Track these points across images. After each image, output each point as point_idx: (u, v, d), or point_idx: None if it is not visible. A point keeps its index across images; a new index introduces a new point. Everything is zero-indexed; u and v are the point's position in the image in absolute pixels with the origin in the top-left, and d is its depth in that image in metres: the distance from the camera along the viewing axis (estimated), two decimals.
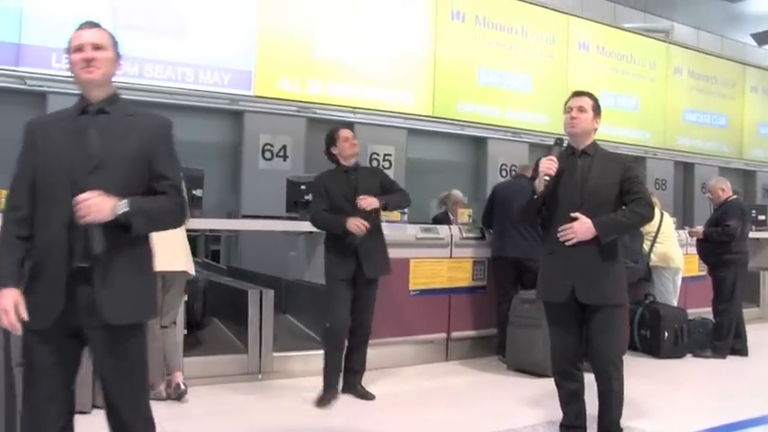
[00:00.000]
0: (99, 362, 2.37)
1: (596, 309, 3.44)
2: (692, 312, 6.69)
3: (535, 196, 3.52)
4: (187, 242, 4.61)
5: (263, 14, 7.87)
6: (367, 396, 4.59)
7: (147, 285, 2.40)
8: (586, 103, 3.56)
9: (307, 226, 5.51)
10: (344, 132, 4.60)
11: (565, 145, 3.64)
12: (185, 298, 4.79)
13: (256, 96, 7.84)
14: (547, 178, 3.44)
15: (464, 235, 6.05)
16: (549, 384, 3.81)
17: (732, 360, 6.20)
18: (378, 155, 8.61)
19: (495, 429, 4.02)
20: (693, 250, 6.93)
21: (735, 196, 6.49)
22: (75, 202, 2.12)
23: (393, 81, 8.78)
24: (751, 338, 6.44)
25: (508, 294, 5.71)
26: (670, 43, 12.06)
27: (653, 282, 6.65)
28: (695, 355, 6.25)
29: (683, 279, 6.89)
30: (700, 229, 6.52)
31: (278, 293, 5.37)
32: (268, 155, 7.96)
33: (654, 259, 6.54)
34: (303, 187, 5.71)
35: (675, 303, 6.66)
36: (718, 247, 6.26)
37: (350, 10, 8.47)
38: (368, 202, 4.36)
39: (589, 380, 3.56)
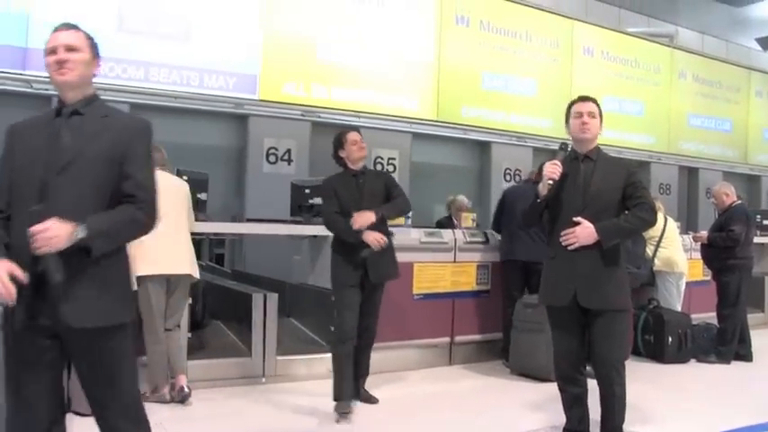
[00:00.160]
0: (76, 364, 2.36)
1: (598, 313, 3.44)
2: (697, 317, 6.68)
3: (538, 200, 3.53)
4: (192, 245, 4.63)
5: (269, 19, 7.91)
6: (371, 400, 4.59)
7: (116, 287, 2.34)
8: (595, 108, 3.58)
9: (311, 230, 5.54)
10: (353, 136, 4.50)
11: (569, 149, 3.65)
12: (189, 301, 4.80)
13: (261, 100, 7.88)
14: (551, 182, 3.44)
15: (468, 239, 6.05)
16: (552, 389, 3.81)
17: (736, 365, 6.18)
18: (382, 159, 8.64)
19: None
20: (697, 255, 6.91)
21: (739, 201, 6.48)
22: (31, 233, 2.08)
23: (397, 85, 8.81)
24: (755, 344, 6.41)
25: (514, 299, 5.70)
26: (674, 48, 12.06)
27: (656, 286, 6.64)
28: (699, 361, 6.24)
29: (688, 284, 6.87)
30: (704, 234, 6.51)
31: (282, 297, 5.37)
32: (272, 158, 7.99)
33: (658, 264, 6.53)
34: (307, 191, 5.71)
35: (679, 308, 6.65)
36: (722, 252, 6.24)
37: (354, 15, 8.51)
38: (363, 219, 4.21)
39: (592, 384, 3.56)
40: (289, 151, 8.05)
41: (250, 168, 7.92)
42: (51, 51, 2.32)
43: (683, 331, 6.24)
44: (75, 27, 2.39)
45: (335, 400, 4.25)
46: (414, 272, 5.66)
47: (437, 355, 5.86)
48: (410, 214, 5.81)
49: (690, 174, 12.26)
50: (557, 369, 3.67)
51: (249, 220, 6.81)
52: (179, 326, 4.59)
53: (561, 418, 3.70)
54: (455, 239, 5.97)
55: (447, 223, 7.25)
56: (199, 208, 5.11)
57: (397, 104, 8.81)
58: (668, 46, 11.98)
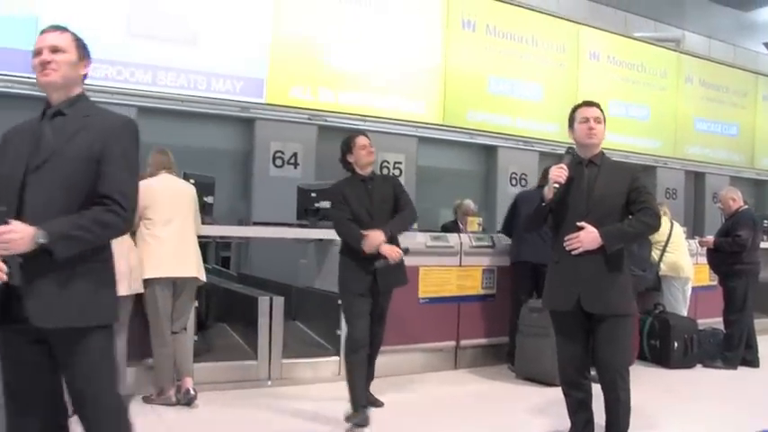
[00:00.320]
0: (59, 365, 2.32)
1: (602, 318, 3.44)
2: (703, 323, 6.66)
3: (543, 204, 3.53)
4: (198, 249, 4.65)
5: (276, 23, 7.93)
6: (376, 403, 4.57)
7: (90, 289, 2.28)
8: (600, 113, 3.59)
9: (317, 233, 5.55)
10: (362, 140, 4.39)
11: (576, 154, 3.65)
12: (196, 304, 4.82)
13: (268, 104, 7.90)
14: (556, 186, 3.44)
15: (474, 243, 6.05)
16: (557, 394, 3.81)
17: (743, 371, 6.16)
18: (388, 163, 8.65)
19: None
20: (704, 260, 6.89)
21: (746, 206, 6.47)
22: None
23: (404, 89, 8.82)
24: (762, 349, 6.38)
25: (521, 303, 5.68)
26: (681, 52, 12.03)
27: (662, 291, 6.63)
28: (705, 366, 6.22)
29: (694, 289, 6.85)
30: (710, 238, 6.49)
31: (288, 300, 5.39)
32: (279, 162, 8.01)
33: (663, 269, 6.52)
34: (314, 195, 5.73)
35: (685, 313, 6.63)
36: (728, 257, 6.23)
37: (361, 19, 8.53)
38: (373, 240, 4.11)
39: (597, 389, 3.56)
40: (295, 155, 8.07)
41: (257, 172, 7.94)
42: (37, 53, 2.34)
43: (689, 336, 6.23)
44: (62, 28, 2.40)
45: (353, 410, 4.13)
46: (419, 276, 5.66)
47: (442, 359, 5.87)
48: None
49: (696, 178, 12.22)
50: (561, 374, 3.67)
51: (255, 224, 6.82)
52: (185, 328, 4.61)
53: (566, 423, 3.69)
54: (461, 243, 5.97)
55: (452, 227, 7.26)
56: (205, 211, 5.13)
57: (404, 108, 8.82)
58: (675, 50, 11.96)
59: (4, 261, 2.13)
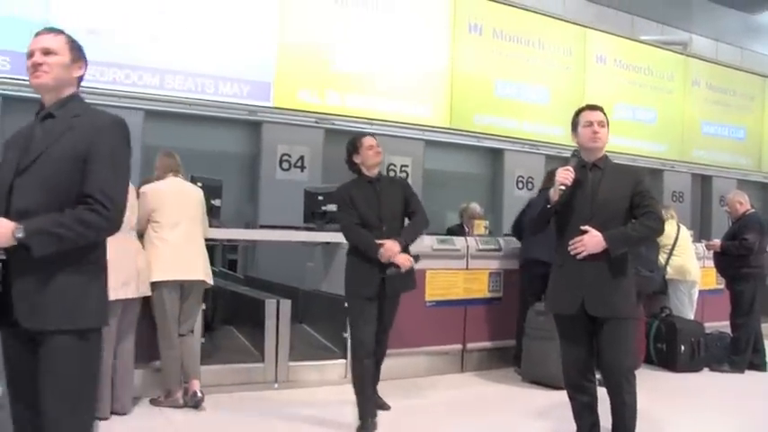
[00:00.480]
0: (40, 370, 2.26)
1: (605, 322, 3.44)
2: (710, 326, 6.64)
3: (548, 206, 3.53)
4: (205, 251, 4.67)
5: (283, 27, 7.96)
6: (383, 406, 4.57)
7: (82, 289, 2.26)
8: (604, 117, 3.60)
9: (324, 236, 5.57)
10: (368, 140, 4.28)
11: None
12: (203, 306, 4.84)
13: (275, 107, 7.92)
14: (563, 188, 3.44)
15: (480, 246, 6.06)
16: (563, 397, 3.81)
17: (750, 375, 6.15)
18: (395, 166, 8.66)
19: None
20: (710, 263, 6.89)
21: (753, 210, 6.46)
22: None
23: (411, 93, 8.83)
24: None
25: (529, 305, 5.66)
26: (688, 56, 12.01)
27: (669, 295, 6.62)
28: (712, 370, 6.21)
29: (701, 292, 6.85)
30: (717, 242, 6.49)
31: (295, 303, 5.41)
32: (286, 165, 8.03)
33: (670, 272, 6.52)
34: (320, 198, 5.75)
35: (692, 317, 6.62)
36: (735, 260, 6.22)
37: (368, 23, 8.55)
38: (389, 252, 4.05)
39: (603, 393, 3.55)
40: (302, 158, 8.09)
41: (263, 175, 7.97)
42: (29, 55, 2.35)
43: (696, 340, 6.22)
44: (56, 31, 2.41)
45: (361, 419, 4.10)
46: (426, 279, 5.67)
47: (449, 362, 5.87)
48: None
49: (703, 182, 12.18)
50: (565, 377, 3.67)
51: (262, 227, 6.83)
52: (192, 331, 4.63)
53: (572, 427, 3.69)
54: (467, 247, 5.98)
55: (458, 230, 7.25)
56: (213, 214, 5.15)
57: (411, 112, 8.83)
58: (682, 53, 11.93)
59: None
